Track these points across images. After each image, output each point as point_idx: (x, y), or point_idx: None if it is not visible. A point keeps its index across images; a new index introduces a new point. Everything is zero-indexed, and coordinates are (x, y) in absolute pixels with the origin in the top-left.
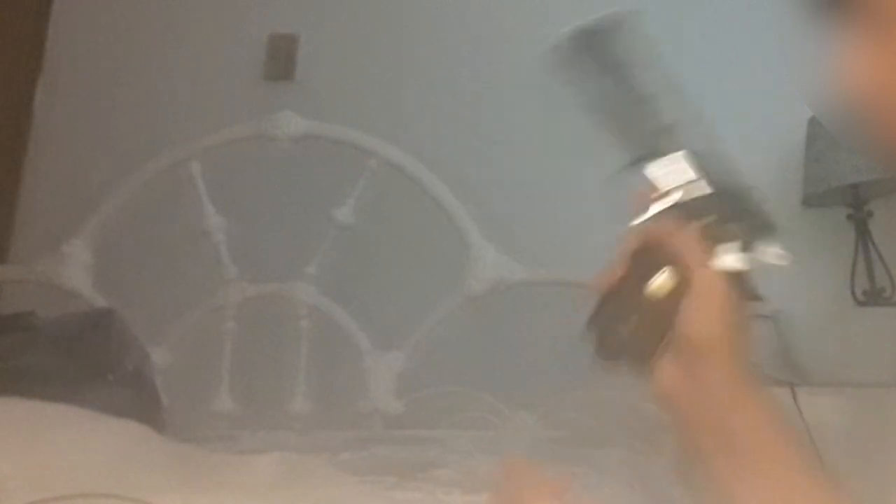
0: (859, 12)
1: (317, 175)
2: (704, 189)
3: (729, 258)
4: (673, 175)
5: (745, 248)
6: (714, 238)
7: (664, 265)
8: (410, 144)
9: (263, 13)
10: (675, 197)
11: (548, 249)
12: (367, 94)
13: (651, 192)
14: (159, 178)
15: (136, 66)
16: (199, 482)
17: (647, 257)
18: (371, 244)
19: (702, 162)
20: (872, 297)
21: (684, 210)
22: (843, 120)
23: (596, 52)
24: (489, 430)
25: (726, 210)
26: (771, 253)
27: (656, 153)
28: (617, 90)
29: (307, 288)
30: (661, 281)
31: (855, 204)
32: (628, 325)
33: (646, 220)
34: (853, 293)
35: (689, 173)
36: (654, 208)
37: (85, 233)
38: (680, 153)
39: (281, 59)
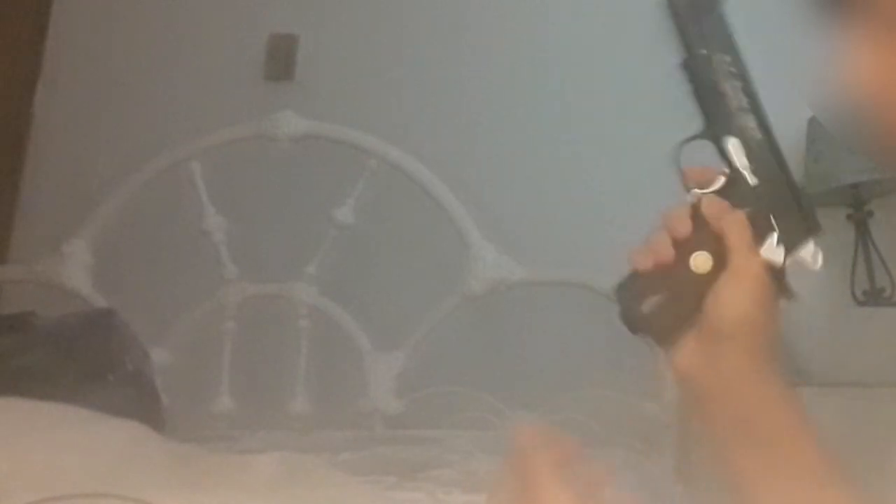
0: (861, 12)
1: (317, 175)
2: (751, 179)
3: (766, 251)
4: (728, 159)
5: (782, 243)
6: (753, 229)
7: (706, 243)
8: (410, 144)
9: (263, 13)
10: (721, 181)
11: (548, 249)
12: (367, 94)
13: (703, 171)
14: (159, 178)
15: (136, 66)
16: (199, 482)
17: (689, 233)
18: (371, 244)
19: (754, 152)
20: (872, 297)
21: (727, 196)
22: (845, 120)
23: (706, 17)
24: (489, 430)
25: (769, 203)
26: (806, 253)
27: (726, 133)
28: (715, 60)
29: (307, 288)
30: (701, 258)
31: (855, 204)
32: (658, 297)
33: (695, 196)
34: (853, 293)
35: (741, 161)
36: (706, 187)
37: (85, 233)
38: (737, 139)
39: (281, 59)
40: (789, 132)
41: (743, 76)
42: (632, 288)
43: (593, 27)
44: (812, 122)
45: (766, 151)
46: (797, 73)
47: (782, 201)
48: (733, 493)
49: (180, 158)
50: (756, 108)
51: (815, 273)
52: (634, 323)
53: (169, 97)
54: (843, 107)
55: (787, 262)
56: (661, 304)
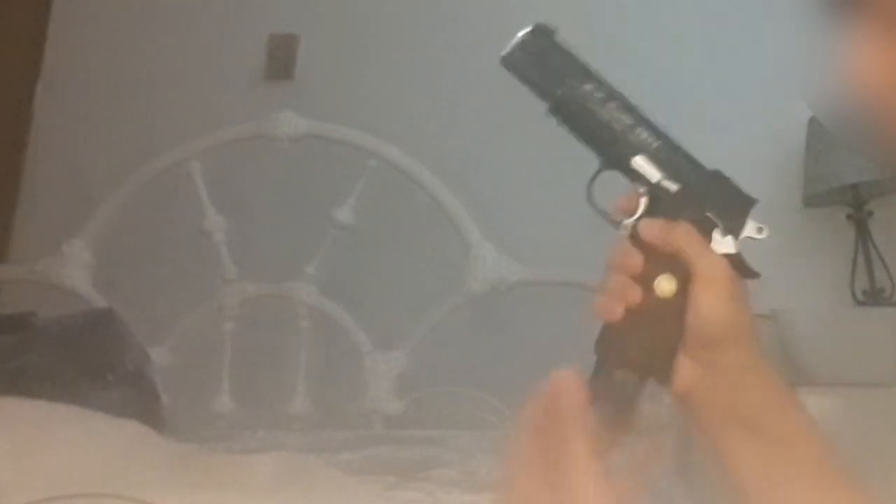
0: (866, 11)
1: (317, 175)
2: (672, 186)
3: (717, 245)
4: (640, 178)
5: (728, 231)
6: (698, 231)
7: (662, 267)
8: (410, 144)
9: (263, 13)
10: (644, 201)
11: (548, 249)
12: (367, 94)
13: (625, 199)
14: (159, 178)
15: (136, 66)
16: (199, 482)
17: (643, 264)
18: (371, 244)
19: (662, 160)
20: (872, 297)
21: (655, 212)
22: (846, 119)
23: (549, 56)
24: (489, 430)
25: (698, 201)
26: (751, 228)
27: (626, 155)
28: (569, 98)
29: (307, 288)
30: (664, 283)
31: (855, 204)
32: (641, 341)
33: (628, 227)
34: (853, 293)
35: (654, 174)
36: (635, 213)
37: (85, 233)
38: (639, 156)
39: (281, 59)
40: (789, 132)
41: (612, 94)
42: (611, 345)
43: (593, 27)
44: (812, 122)
45: (671, 153)
46: (797, 73)
47: (708, 192)
48: (741, 498)
49: (180, 158)
50: (640, 118)
51: (764, 241)
52: (631, 379)
53: (169, 97)
54: (845, 106)
55: (739, 247)
56: (648, 345)
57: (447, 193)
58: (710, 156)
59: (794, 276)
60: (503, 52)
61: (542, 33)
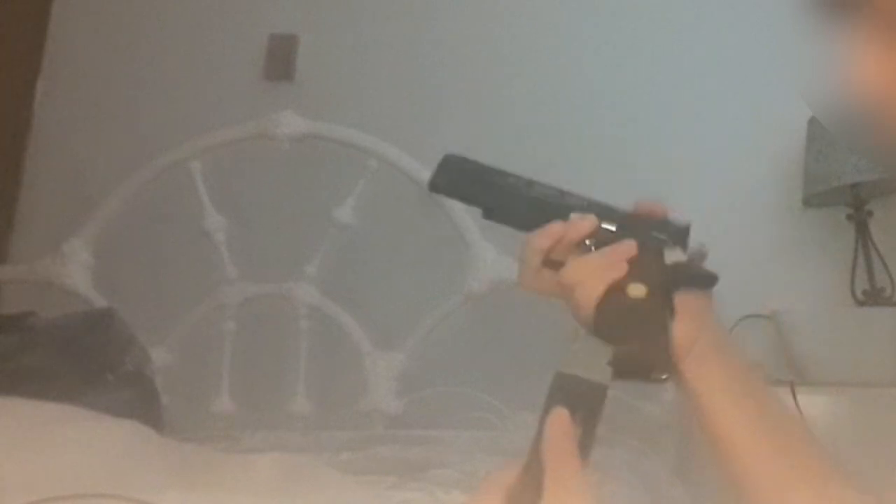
0: (866, 12)
1: (317, 175)
2: (611, 226)
3: (669, 255)
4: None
5: (676, 243)
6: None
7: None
8: (410, 144)
9: (263, 13)
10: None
11: None
12: (367, 94)
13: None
14: (159, 178)
15: (137, 66)
16: (199, 482)
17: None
18: (371, 244)
19: (595, 210)
20: (872, 297)
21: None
22: (846, 119)
23: (463, 180)
24: (489, 430)
25: (640, 228)
26: (695, 246)
27: (566, 215)
28: (499, 196)
29: (307, 288)
30: (634, 289)
31: (855, 204)
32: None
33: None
34: (853, 293)
35: (594, 220)
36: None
37: (85, 233)
38: (573, 213)
39: (281, 59)
40: (789, 132)
41: (531, 180)
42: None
43: (592, 30)
44: (812, 122)
45: (599, 206)
46: (797, 73)
47: (645, 222)
48: (724, 448)
49: (180, 158)
50: (563, 190)
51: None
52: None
53: (169, 97)
54: (845, 106)
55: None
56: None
57: None
58: (710, 156)
59: (794, 276)
60: (428, 181)
61: (454, 159)
